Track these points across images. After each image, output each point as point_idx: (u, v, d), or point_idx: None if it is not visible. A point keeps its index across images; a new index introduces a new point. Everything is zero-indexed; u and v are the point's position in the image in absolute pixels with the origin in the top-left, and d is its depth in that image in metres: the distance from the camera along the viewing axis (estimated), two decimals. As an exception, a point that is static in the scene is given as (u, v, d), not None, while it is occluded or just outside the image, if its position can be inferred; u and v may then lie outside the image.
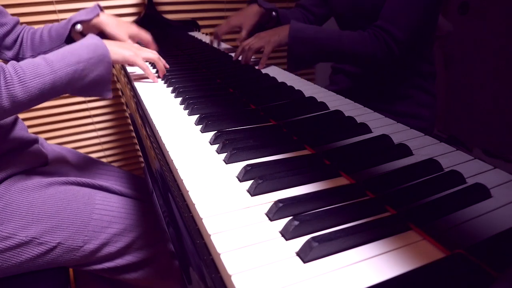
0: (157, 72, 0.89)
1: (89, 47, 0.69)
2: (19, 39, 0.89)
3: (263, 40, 0.93)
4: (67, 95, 1.53)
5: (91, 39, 0.72)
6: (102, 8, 0.94)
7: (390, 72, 0.96)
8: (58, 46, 0.90)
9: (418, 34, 0.87)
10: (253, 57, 0.99)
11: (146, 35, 0.99)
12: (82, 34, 0.91)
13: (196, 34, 1.53)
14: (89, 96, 0.73)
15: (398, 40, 0.84)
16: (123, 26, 0.95)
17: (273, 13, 1.11)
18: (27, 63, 0.63)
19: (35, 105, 0.65)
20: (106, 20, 0.93)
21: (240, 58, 1.00)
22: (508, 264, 0.31)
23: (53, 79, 0.64)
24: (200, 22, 1.62)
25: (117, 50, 0.75)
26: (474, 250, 0.33)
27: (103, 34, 0.93)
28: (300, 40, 0.88)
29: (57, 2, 1.38)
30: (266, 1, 1.13)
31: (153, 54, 0.84)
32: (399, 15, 0.84)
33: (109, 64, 0.71)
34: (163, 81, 0.87)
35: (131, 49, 0.79)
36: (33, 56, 0.89)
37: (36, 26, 1.38)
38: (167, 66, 0.90)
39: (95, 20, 0.91)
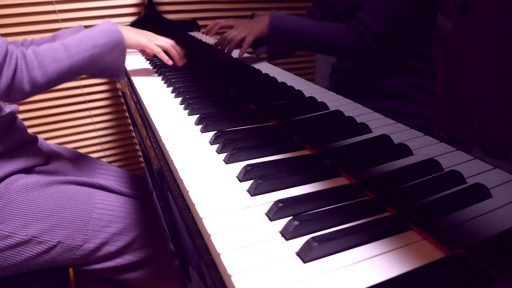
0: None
1: (104, 31, 0.72)
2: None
3: (244, 31, 0.95)
4: (66, 95, 1.54)
5: (106, 24, 0.75)
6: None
7: (389, 72, 0.96)
8: None
9: (398, 29, 0.86)
10: (246, 54, 1.00)
11: None
12: None
13: (196, 34, 1.53)
14: (103, 78, 0.78)
15: (374, 33, 0.84)
16: None
17: None
18: (46, 48, 0.66)
19: (53, 86, 0.69)
20: None
21: (221, 51, 1.00)
22: (508, 264, 0.31)
23: (70, 64, 0.67)
24: (200, 22, 1.62)
25: (132, 36, 0.79)
26: (474, 250, 0.33)
27: None
28: (279, 30, 0.90)
29: (57, 2, 1.38)
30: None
31: (165, 42, 0.87)
32: (379, 9, 0.84)
33: (124, 49, 0.75)
34: (163, 81, 0.87)
35: (145, 35, 0.83)
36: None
37: (36, 26, 1.39)
38: (181, 52, 0.91)
39: None
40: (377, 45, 0.86)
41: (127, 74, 0.95)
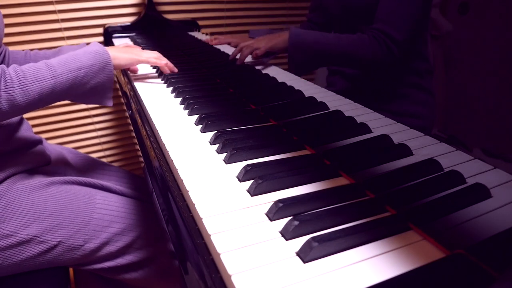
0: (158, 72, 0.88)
1: (91, 53, 0.69)
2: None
3: (262, 42, 0.97)
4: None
5: (93, 46, 0.72)
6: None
7: (386, 72, 0.96)
8: None
9: (415, 33, 0.88)
10: (252, 58, 1.00)
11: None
12: None
13: (196, 34, 1.53)
14: (89, 103, 0.73)
15: (397, 41, 0.86)
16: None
17: None
18: (28, 67, 0.63)
19: (34, 109, 0.64)
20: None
21: (237, 57, 1.01)
22: (508, 264, 0.31)
23: (54, 84, 0.63)
24: (200, 22, 1.62)
25: (118, 56, 0.76)
26: (474, 250, 0.33)
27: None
28: (300, 46, 0.91)
29: (57, 2, 1.38)
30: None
31: (154, 58, 0.83)
32: (395, 16, 0.85)
33: (111, 72, 0.71)
34: (163, 81, 0.87)
35: (132, 51, 0.80)
36: None
37: (36, 26, 1.39)
38: (170, 66, 0.87)
39: None
40: (401, 52, 0.87)
41: (127, 74, 0.95)
